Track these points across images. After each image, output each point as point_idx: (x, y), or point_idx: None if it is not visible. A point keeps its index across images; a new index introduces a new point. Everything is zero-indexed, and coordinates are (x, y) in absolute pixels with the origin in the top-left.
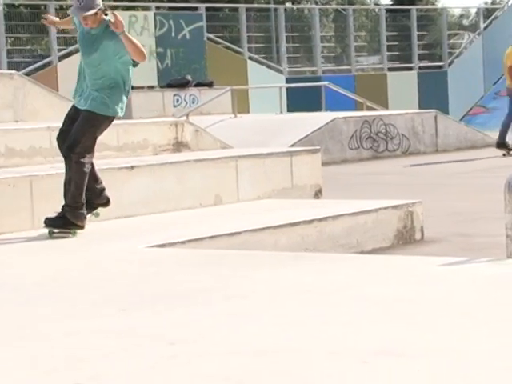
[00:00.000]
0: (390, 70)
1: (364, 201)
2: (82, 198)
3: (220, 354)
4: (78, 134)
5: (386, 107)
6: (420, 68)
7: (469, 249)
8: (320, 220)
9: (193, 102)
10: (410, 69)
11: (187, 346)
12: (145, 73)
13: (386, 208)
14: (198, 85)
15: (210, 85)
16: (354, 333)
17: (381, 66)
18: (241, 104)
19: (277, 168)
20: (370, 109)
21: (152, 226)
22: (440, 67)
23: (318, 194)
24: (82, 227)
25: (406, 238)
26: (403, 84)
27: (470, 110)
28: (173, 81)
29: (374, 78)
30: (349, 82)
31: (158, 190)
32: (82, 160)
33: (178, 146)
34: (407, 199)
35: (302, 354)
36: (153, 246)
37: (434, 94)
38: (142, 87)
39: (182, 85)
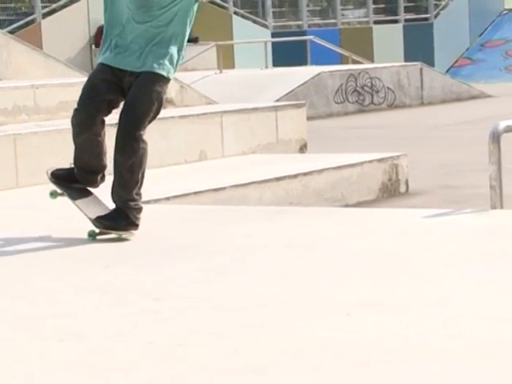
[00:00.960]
0: (375, 23)
1: (349, 154)
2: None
3: (203, 309)
4: (145, 106)
5: (372, 60)
6: (406, 20)
7: (454, 201)
8: (305, 174)
9: None
10: (396, 22)
11: (171, 301)
12: None
13: (370, 161)
14: None
15: (194, 40)
16: (338, 286)
17: (366, 19)
18: (226, 59)
19: (262, 123)
20: (355, 62)
21: None
22: (426, 19)
23: (302, 148)
24: (137, 227)
25: (391, 190)
26: (389, 37)
27: (456, 62)
28: None
29: (359, 31)
30: (334, 35)
31: None
32: (145, 138)
33: None
34: (392, 152)
35: (286, 307)
36: None
37: (419, 47)
38: None
39: None
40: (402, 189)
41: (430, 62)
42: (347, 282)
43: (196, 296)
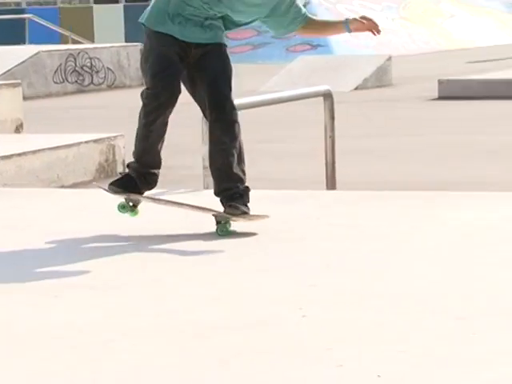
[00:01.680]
0: (96, 2)
1: (66, 135)
2: None
3: None
4: (228, 81)
5: (93, 41)
6: (126, 1)
7: (168, 181)
8: (19, 155)
9: None
10: (117, 1)
11: None
12: None
13: (87, 142)
14: None
15: None
16: (48, 268)
17: None
18: None
19: None
20: (75, 42)
21: None
22: (146, 0)
23: (18, 128)
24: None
25: (108, 171)
26: (109, 17)
27: None
28: None
29: (79, 10)
30: (54, 14)
31: None
32: None
33: None
34: (110, 133)
35: None
36: None
37: (140, 27)
38: None
39: None
40: (119, 169)
41: None
42: (57, 263)
43: None
